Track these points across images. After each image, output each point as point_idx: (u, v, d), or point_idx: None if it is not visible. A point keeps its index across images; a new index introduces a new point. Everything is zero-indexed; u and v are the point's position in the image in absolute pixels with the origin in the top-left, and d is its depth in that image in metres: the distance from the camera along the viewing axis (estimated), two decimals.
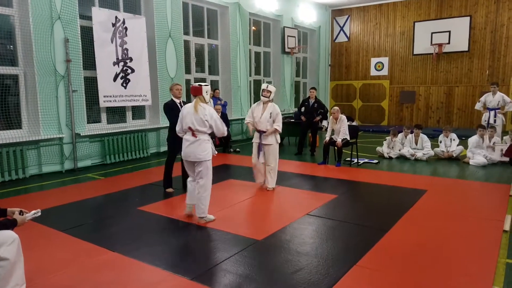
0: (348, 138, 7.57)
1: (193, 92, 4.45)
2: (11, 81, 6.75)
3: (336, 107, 7.76)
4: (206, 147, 4.47)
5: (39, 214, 2.94)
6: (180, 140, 5.50)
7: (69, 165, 7.31)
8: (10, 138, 6.49)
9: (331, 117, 7.72)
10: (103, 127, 8.14)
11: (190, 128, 4.36)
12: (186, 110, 4.41)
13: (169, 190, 5.75)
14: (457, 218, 4.52)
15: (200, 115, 4.34)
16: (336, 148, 7.64)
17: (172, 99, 5.63)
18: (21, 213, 2.86)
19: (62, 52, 7.08)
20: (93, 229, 4.30)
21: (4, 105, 6.56)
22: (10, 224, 2.74)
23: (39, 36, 6.72)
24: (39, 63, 6.75)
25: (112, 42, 7.93)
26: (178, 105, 5.52)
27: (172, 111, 5.42)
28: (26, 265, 2.81)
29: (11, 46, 6.84)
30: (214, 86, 10.94)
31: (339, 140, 7.46)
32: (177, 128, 4.51)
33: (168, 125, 5.77)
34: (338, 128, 7.58)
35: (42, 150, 6.94)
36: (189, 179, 4.67)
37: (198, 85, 4.42)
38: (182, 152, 4.49)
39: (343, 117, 7.63)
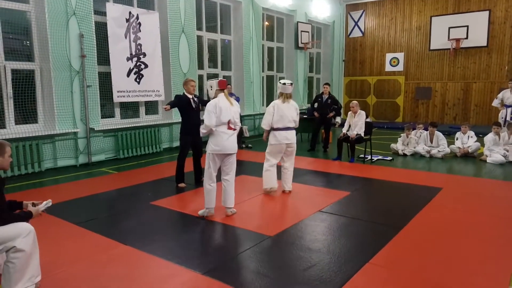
0: (362, 134, 7.48)
1: (222, 86, 4.54)
2: (27, 76, 6.85)
3: (355, 101, 7.72)
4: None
5: (50, 204, 3.00)
6: (192, 135, 5.55)
7: (83, 159, 7.40)
8: (26, 132, 6.61)
9: (349, 111, 7.65)
10: (117, 122, 8.21)
11: (229, 122, 4.40)
12: (222, 104, 4.36)
13: (181, 185, 5.78)
14: (473, 216, 4.42)
15: (236, 108, 4.53)
16: (349, 144, 7.56)
17: (184, 93, 5.67)
18: (33, 204, 2.92)
19: (77, 48, 7.16)
20: (107, 223, 4.34)
21: (21, 100, 6.67)
22: (26, 216, 2.79)
23: (55, 31, 6.80)
24: (54, 59, 6.84)
25: (126, 37, 7.98)
26: (191, 100, 5.60)
27: (181, 103, 5.62)
28: (41, 258, 2.85)
29: (28, 42, 6.94)
30: (227, 81, 10.91)
31: (353, 133, 7.39)
32: (211, 122, 4.24)
33: (180, 120, 5.81)
34: (356, 122, 7.51)
35: (57, 144, 7.05)
36: (212, 184, 4.40)
37: (221, 80, 4.59)
38: (219, 146, 4.30)
39: (362, 112, 7.58)
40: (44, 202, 2.97)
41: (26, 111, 6.78)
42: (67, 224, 4.23)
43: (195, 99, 5.74)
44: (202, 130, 4.39)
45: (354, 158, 7.64)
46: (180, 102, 5.62)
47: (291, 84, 5.55)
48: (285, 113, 5.35)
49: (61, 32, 6.89)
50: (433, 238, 3.79)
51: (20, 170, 6.49)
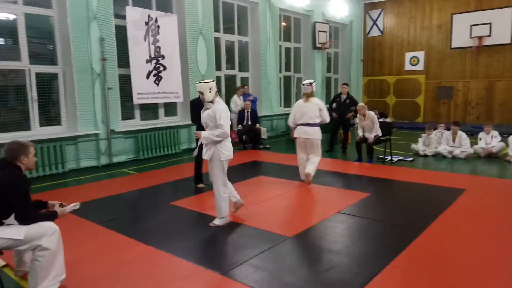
0: (380, 134, 7.37)
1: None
2: (51, 79, 7.04)
3: (361, 104, 7.60)
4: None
5: (78, 207, 3.07)
6: None
7: (104, 160, 7.55)
8: (50, 134, 6.79)
9: (358, 114, 7.57)
10: (137, 123, 8.35)
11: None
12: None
13: (200, 185, 5.83)
14: (498, 218, 4.29)
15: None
16: (367, 145, 7.47)
17: (199, 96, 5.59)
18: (61, 205, 3.00)
19: (98, 51, 7.31)
20: (128, 223, 4.42)
21: (45, 102, 6.87)
22: (52, 216, 2.87)
23: (77, 35, 6.97)
24: (76, 62, 7.00)
25: (145, 40, 8.11)
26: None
27: (196, 109, 5.30)
28: (65, 256, 2.92)
29: (51, 46, 7.14)
30: (244, 82, 10.96)
31: (371, 136, 7.29)
32: (229, 128, 4.16)
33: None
34: (367, 124, 7.40)
35: (80, 146, 7.22)
36: (227, 192, 4.35)
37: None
38: (231, 152, 4.26)
39: (371, 113, 7.46)
40: (72, 204, 3.05)
41: (50, 114, 6.97)
42: (89, 223, 4.32)
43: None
44: (218, 138, 4.05)
45: (373, 159, 7.54)
46: (197, 109, 5.32)
47: (311, 83, 5.96)
48: (306, 110, 5.87)
49: (83, 36, 7.06)
50: (456, 241, 3.70)
51: (44, 171, 6.67)
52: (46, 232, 2.75)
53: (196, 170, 5.85)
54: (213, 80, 4.28)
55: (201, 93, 4.13)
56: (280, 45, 11.94)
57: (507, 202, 4.95)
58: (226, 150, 4.15)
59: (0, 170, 2.75)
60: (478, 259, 3.29)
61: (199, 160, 5.79)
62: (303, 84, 6.01)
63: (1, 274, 2.94)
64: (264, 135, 9.57)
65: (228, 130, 4.09)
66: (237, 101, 9.62)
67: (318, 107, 5.88)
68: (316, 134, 5.91)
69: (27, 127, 6.78)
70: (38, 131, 6.80)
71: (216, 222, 4.22)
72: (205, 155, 4.21)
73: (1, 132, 6.37)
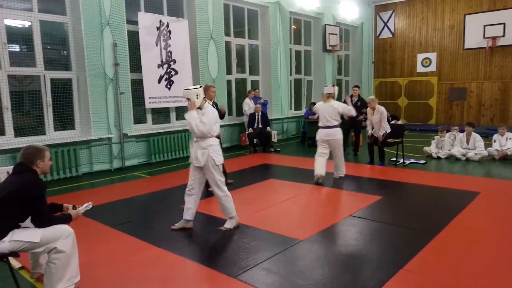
0: (388, 131, 7.22)
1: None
2: (65, 84, 7.16)
3: (371, 97, 7.51)
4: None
5: (91, 206, 3.15)
6: None
7: (117, 164, 7.65)
8: (64, 138, 6.92)
9: (368, 108, 7.48)
10: (149, 127, 8.44)
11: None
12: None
13: (211, 189, 5.82)
14: None
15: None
16: (378, 148, 7.39)
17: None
18: (74, 207, 3.06)
19: (111, 56, 7.42)
20: (140, 226, 4.46)
21: (59, 107, 6.99)
22: (66, 219, 2.93)
23: (90, 41, 7.09)
24: (90, 67, 7.12)
25: (156, 45, 8.21)
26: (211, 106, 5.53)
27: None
28: (79, 259, 2.97)
29: (65, 52, 7.27)
30: (254, 86, 10.99)
31: (380, 135, 7.20)
32: (215, 130, 4.21)
33: None
34: (376, 119, 7.24)
35: (93, 150, 7.32)
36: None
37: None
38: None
39: (381, 108, 7.26)
40: (85, 205, 3.12)
41: (64, 118, 7.10)
42: (102, 226, 4.38)
43: (214, 106, 5.61)
44: (195, 126, 3.99)
45: (385, 162, 7.47)
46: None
47: (334, 85, 6.83)
48: (323, 111, 6.21)
49: (96, 42, 7.17)
50: (470, 245, 3.65)
51: (58, 174, 6.78)
52: (62, 235, 2.80)
53: None
54: (201, 86, 4.25)
55: (188, 99, 4.09)
56: (290, 48, 11.95)
57: None
58: (220, 154, 4.19)
59: (17, 174, 2.81)
60: (494, 264, 3.24)
61: None
62: (327, 85, 6.61)
63: (17, 276, 3.00)
64: (274, 138, 9.58)
65: (209, 131, 4.05)
66: (250, 104, 9.66)
67: (336, 110, 6.15)
68: (336, 135, 6.21)
69: (42, 132, 6.91)
70: (52, 136, 6.93)
71: (228, 225, 4.22)
72: (197, 161, 4.13)
73: (17, 137, 6.51)
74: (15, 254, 2.73)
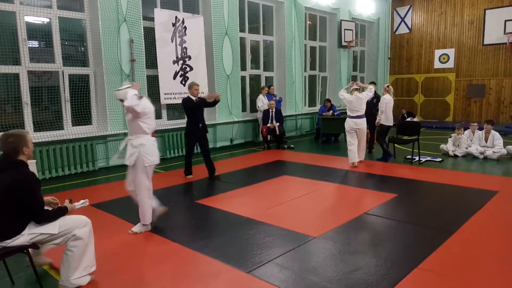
0: (383, 122, 7.47)
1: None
2: (82, 80, 7.29)
3: (386, 84, 8.07)
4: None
5: (87, 204, 3.21)
6: (197, 134, 6.26)
7: None
8: (82, 133, 7.05)
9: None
10: (164, 123, 8.52)
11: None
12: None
13: (189, 176, 6.42)
14: None
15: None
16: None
17: (189, 96, 6.23)
18: (70, 202, 3.06)
19: (127, 53, 7.51)
20: (155, 220, 4.52)
21: (77, 102, 7.12)
22: (63, 212, 2.89)
23: (107, 37, 7.19)
24: (107, 63, 7.22)
25: (172, 41, 8.26)
26: (194, 101, 6.21)
27: (188, 106, 6.19)
28: (95, 251, 3.03)
29: (83, 48, 7.39)
30: (269, 82, 10.97)
31: (377, 119, 7.63)
32: (151, 125, 4.13)
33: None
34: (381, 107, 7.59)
35: (109, 145, 7.44)
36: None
37: None
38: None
39: (386, 97, 7.48)
40: (81, 201, 3.17)
41: (82, 113, 7.22)
42: (118, 220, 4.46)
43: (198, 101, 6.29)
44: (126, 100, 3.76)
45: (387, 158, 7.54)
46: (188, 106, 6.23)
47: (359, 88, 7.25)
48: (351, 102, 7.06)
49: (113, 38, 7.26)
50: (488, 244, 3.59)
51: (76, 169, 6.92)
52: (79, 225, 2.86)
53: (187, 164, 6.50)
54: (131, 85, 3.98)
55: (121, 100, 3.91)
56: (305, 44, 11.87)
57: None
58: (151, 155, 3.97)
59: (7, 171, 2.62)
60: (511, 264, 3.18)
61: (190, 155, 6.41)
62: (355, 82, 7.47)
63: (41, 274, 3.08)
64: (277, 131, 9.31)
65: (134, 106, 3.76)
66: (263, 100, 9.64)
67: (362, 100, 7.06)
68: (363, 123, 7.13)
69: (60, 127, 7.05)
70: (70, 131, 7.06)
71: (136, 229, 4.04)
72: (128, 160, 4.01)
73: (36, 131, 6.66)
74: (34, 246, 2.80)
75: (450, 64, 13.83)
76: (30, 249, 2.80)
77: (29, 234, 2.72)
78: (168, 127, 8.35)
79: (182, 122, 8.76)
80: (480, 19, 12.99)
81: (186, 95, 6.29)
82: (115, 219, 4.50)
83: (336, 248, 3.58)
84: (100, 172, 7.13)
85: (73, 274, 2.85)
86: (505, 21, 12.21)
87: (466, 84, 13.58)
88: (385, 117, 7.43)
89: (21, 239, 2.70)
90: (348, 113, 7.15)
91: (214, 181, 6.17)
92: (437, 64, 14.15)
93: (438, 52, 14.07)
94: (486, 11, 12.75)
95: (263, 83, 10.80)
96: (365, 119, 7.13)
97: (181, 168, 7.38)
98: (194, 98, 6.20)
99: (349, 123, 7.11)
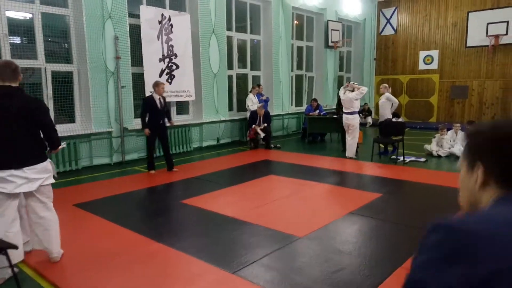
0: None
1: None
2: (66, 77, 7.15)
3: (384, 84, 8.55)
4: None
5: (65, 146, 3.41)
6: (158, 130, 6.52)
7: (117, 158, 7.65)
8: (65, 131, 6.90)
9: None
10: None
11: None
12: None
13: (152, 172, 6.66)
14: None
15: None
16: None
17: (152, 95, 6.55)
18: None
19: (112, 50, 7.40)
20: (140, 220, 4.47)
21: (60, 100, 6.98)
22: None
23: (92, 34, 7.06)
24: (91, 61, 7.10)
25: (158, 39, 8.17)
26: (157, 100, 6.53)
27: (148, 105, 6.50)
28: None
29: (66, 45, 7.25)
30: (256, 81, 10.96)
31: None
32: None
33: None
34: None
35: (93, 143, 7.32)
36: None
37: None
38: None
39: (386, 96, 8.13)
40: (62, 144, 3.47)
41: (65, 111, 7.08)
42: (102, 220, 4.38)
43: (161, 99, 6.61)
44: None
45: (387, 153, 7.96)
46: (148, 105, 6.52)
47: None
48: (343, 100, 7.75)
49: (98, 35, 7.14)
50: None
51: (58, 168, 6.77)
52: None
53: (150, 160, 6.72)
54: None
55: None
56: (292, 44, 11.90)
57: None
58: None
59: (15, 96, 2.84)
60: None
61: (151, 151, 6.72)
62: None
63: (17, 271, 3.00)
64: (261, 134, 9.28)
65: None
66: (253, 99, 9.59)
67: (351, 99, 7.65)
68: (353, 120, 7.75)
69: None
70: None
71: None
72: None
73: None
74: (14, 246, 2.73)
75: (434, 65, 14.06)
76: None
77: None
78: None
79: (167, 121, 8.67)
80: (463, 22, 13.24)
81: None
82: (99, 219, 4.42)
83: (321, 248, 3.60)
84: (83, 171, 7.01)
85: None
86: (488, 23, 12.47)
87: (449, 85, 13.83)
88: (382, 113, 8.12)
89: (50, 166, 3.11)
90: (343, 109, 7.87)
91: (200, 181, 6.14)
92: (421, 66, 14.36)
93: (422, 54, 14.29)
94: (469, 13, 13.00)
95: (250, 82, 10.79)
96: (355, 116, 7.70)
97: (166, 167, 7.33)
98: (158, 98, 6.51)
99: (342, 118, 7.87)
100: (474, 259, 0.63)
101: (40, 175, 3.04)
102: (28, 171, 2.94)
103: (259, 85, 10.11)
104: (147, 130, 6.53)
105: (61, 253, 3.29)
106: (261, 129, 9.09)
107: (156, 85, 6.56)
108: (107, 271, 3.17)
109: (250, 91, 9.86)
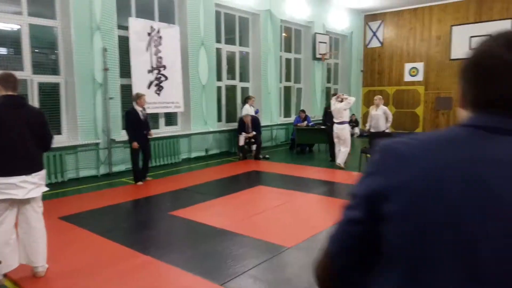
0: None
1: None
2: (53, 89, 7.09)
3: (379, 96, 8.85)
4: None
5: None
6: (141, 141, 6.55)
7: (104, 170, 7.56)
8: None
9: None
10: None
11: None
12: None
13: (140, 183, 6.68)
14: None
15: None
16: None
17: (134, 107, 6.60)
18: None
19: (101, 61, 7.37)
20: (127, 233, 4.42)
21: (46, 112, 6.89)
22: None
23: (80, 46, 7.04)
24: (79, 72, 7.06)
25: (147, 50, 8.19)
26: (140, 112, 6.59)
27: (132, 117, 6.54)
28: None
29: (54, 56, 7.21)
30: (245, 92, 11.01)
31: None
32: None
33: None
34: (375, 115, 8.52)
35: (80, 155, 7.23)
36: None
37: None
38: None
39: (383, 108, 8.53)
40: None
41: (51, 123, 6.98)
42: (88, 233, 4.32)
43: (143, 111, 6.67)
44: None
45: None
46: (131, 118, 6.57)
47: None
48: (333, 110, 8.09)
49: (86, 46, 7.13)
50: None
51: None
52: None
53: (136, 172, 6.72)
54: None
55: None
56: (280, 56, 12.03)
57: None
58: None
59: (24, 106, 3.07)
60: None
61: (137, 163, 6.72)
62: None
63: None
64: (241, 141, 9.32)
65: None
66: (249, 110, 9.58)
67: (340, 110, 7.90)
68: (342, 130, 7.96)
69: None
70: None
71: None
72: None
73: None
74: None
75: (419, 77, 14.34)
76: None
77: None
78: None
79: (156, 133, 8.63)
80: (447, 35, 13.59)
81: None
82: (85, 232, 4.35)
83: (310, 258, 3.59)
84: (69, 183, 6.91)
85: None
86: (470, 37, 12.82)
87: (434, 96, 14.11)
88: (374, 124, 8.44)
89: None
90: (334, 119, 8.16)
91: (188, 192, 6.10)
92: (407, 77, 14.64)
93: (408, 66, 14.57)
94: (453, 27, 13.35)
95: (239, 94, 10.84)
96: (345, 125, 7.99)
97: (154, 179, 7.28)
98: (140, 109, 6.58)
99: (333, 129, 8.16)
100: (386, 173, 0.74)
101: (42, 181, 3.18)
102: (36, 177, 3.08)
103: (251, 97, 10.15)
104: (135, 144, 6.51)
105: (46, 268, 3.23)
106: (249, 137, 9.13)
107: (138, 97, 6.63)
108: (94, 286, 3.12)
109: (246, 102, 9.84)
